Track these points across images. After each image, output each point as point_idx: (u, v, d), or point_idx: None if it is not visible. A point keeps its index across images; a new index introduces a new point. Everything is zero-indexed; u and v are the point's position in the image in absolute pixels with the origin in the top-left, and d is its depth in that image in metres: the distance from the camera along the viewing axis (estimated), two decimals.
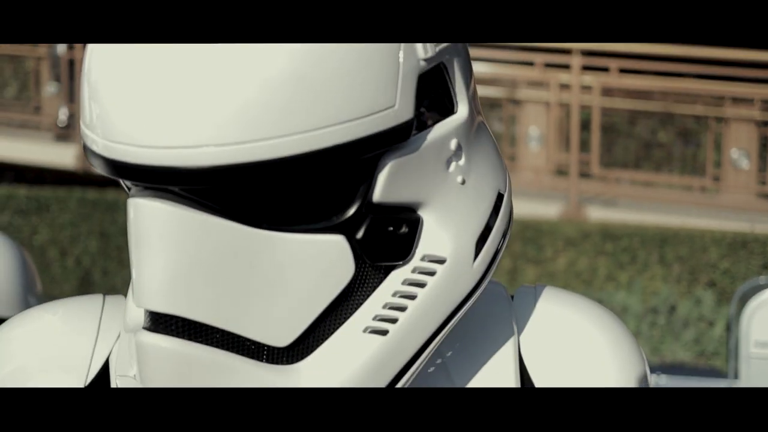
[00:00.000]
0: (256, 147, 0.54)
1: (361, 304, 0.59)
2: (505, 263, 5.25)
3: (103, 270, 6.19)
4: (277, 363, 0.58)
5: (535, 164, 6.82)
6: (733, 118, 6.56)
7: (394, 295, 0.59)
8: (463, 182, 0.61)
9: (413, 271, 0.59)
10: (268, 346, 0.58)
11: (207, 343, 0.57)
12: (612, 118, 7.01)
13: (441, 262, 0.60)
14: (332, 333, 0.58)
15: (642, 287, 5.12)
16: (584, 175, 6.67)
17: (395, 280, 0.59)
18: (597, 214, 6.22)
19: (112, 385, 0.66)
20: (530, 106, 6.98)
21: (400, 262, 0.59)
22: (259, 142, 0.54)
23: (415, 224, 0.59)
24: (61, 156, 7.09)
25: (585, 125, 6.73)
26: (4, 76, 8.17)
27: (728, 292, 4.94)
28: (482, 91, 7.16)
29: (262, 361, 0.57)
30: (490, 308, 0.67)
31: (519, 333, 0.66)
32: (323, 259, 0.57)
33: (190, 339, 0.56)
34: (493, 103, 7.31)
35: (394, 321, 0.58)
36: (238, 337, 0.57)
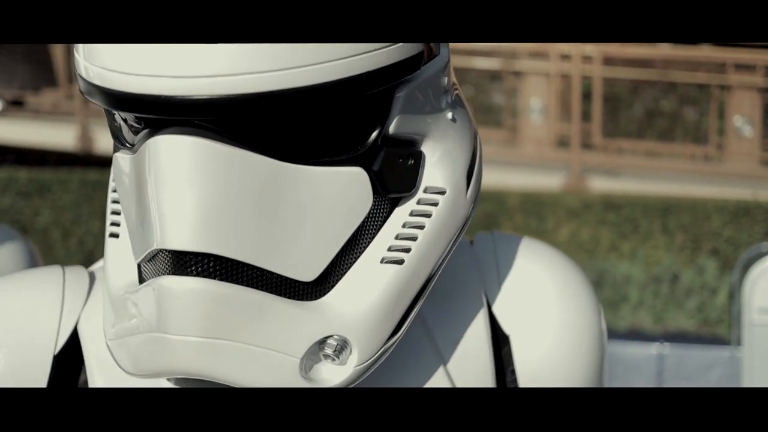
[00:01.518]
0: (291, 74, 0.54)
1: (374, 236, 0.61)
2: None
3: None
4: (302, 299, 0.58)
5: (537, 136, 6.79)
6: (736, 86, 6.51)
7: (404, 226, 0.61)
8: (453, 119, 0.65)
9: (419, 203, 0.62)
10: (295, 282, 0.58)
11: (236, 283, 0.56)
12: (614, 87, 6.96)
13: (442, 193, 0.62)
14: (350, 266, 0.60)
15: (645, 257, 5.11)
16: (586, 145, 6.64)
17: (403, 211, 0.61)
18: (599, 184, 6.21)
19: (86, 353, 0.65)
20: (531, 77, 6.93)
21: (407, 194, 0.61)
22: (294, 69, 0.54)
23: (418, 157, 0.62)
24: (62, 137, 7.09)
25: (587, 96, 6.69)
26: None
27: (731, 260, 4.93)
28: (482, 62, 7.12)
29: (288, 297, 0.58)
30: (455, 257, 0.70)
31: (482, 280, 0.70)
32: (347, 191, 0.58)
33: (220, 279, 0.55)
34: (493, 75, 7.26)
35: (407, 250, 0.61)
36: (264, 274, 0.57)
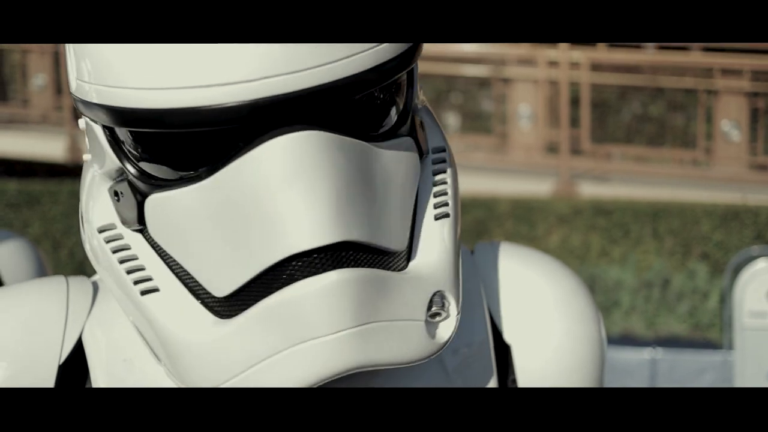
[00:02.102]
0: (360, 58, 0.57)
1: (416, 198, 0.64)
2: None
3: None
4: (402, 269, 0.61)
5: (526, 142, 6.81)
6: (723, 90, 6.55)
7: (434, 184, 0.65)
8: (421, 100, 0.70)
9: (433, 162, 0.66)
10: (392, 254, 0.60)
11: (361, 266, 0.57)
12: (602, 93, 6.99)
13: (443, 150, 0.67)
14: (413, 229, 0.63)
15: (635, 261, 5.13)
16: (575, 151, 6.66)
17: (427, 171, 0.65)
18: (589, 190, 6.23)
19: (90, 362, 0.64)
20: (519, 84, 6.95)
21: (426, 156, 0.66)
22: (360, 53, 0.57)
23: (422, 124, 0.66)
24: (51, 148, 7.06)
25: (575, 102, 6.72)
26: None
27: (721, 264, 4.96)
28: (471, 69, 7.14)
29: (390, 269, 0.60)
30: None
31: (483, 289, 0.71)
32: (408, 159, 0.62)
33: (352, 266, 0.55)
34: (482, 82, 7.28)
35: (447, 204, 0.65)
36: (373, 250, 0.58)
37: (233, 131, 0.55)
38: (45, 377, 0.64)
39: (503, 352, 0.70)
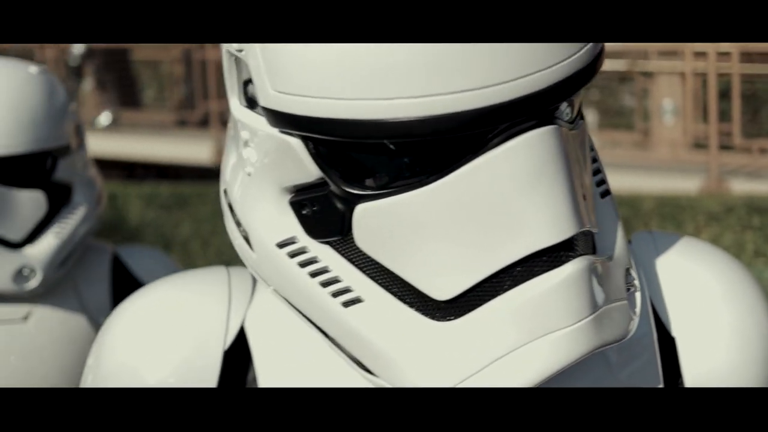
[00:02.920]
0: (587, 50, 0.60)
1: None
2: None
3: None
4: (605, 253, 0.63)
5: (671, 138, 6.53)
6: None
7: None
8: None
9: None
10: (592, 236, 0.63)
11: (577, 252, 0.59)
12: (754, 84, 6.61)
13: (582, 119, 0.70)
14: None
15: None
16: (725, 147, 6.33)
17: None
18: (741, 186, 5.89)
19: (253, 351, 0.65)
20: (663, 77, 6.68)
21: None
22: (573, 57, 0.58)
23: None
24: (199, 152, 7.40)
25: (724, 94, 6.38)
26: (143, 79, 8.60)
27: None
28: (611, 64, 6.92)
29: (601, 254, 0.62)
30: None
31: (644, 280, 0.69)
32: (588, 142, 0.65)
33: (578, 254, 0.57)
34: (623, 77, 7.04)
35: (605, 181, 0.68)
36: (586, 235, 0.60)
37: (459, 136, 0.56)
38: (211, 363, 0.64)
39: (667, 345, 0.67)
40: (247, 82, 0.62)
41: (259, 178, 0.62)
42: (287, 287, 0.62)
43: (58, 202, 1.32)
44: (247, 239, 0.64)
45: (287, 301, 0.63)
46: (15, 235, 1.26)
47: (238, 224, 0.65)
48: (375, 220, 0.58)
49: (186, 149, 7.53)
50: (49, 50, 8.11)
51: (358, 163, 0.58)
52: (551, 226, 0.55)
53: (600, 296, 0.57)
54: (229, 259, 6.39)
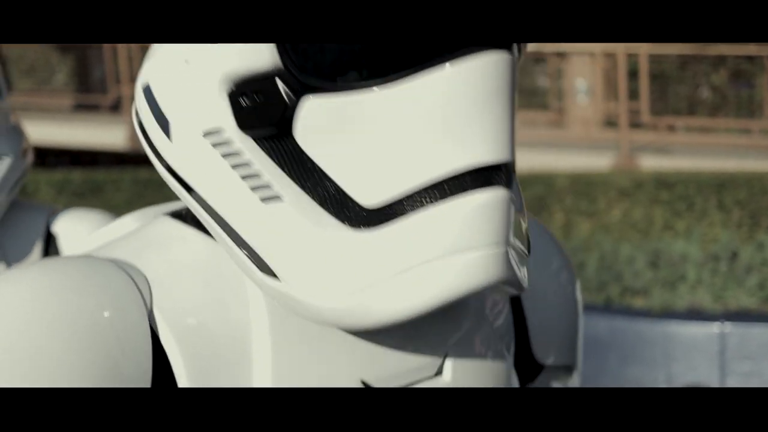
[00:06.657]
0: None
1: None
2: (558, 218, 5.18)
3: None
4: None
5: (584, 116, 6.70)
6: None
7: None
8: None
9: None
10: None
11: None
12: (661, 64, 6.82)
13: None
14: None
15: (701, 234, 5.00)
16: (635, 124, 6.52)
17: None
18: (650, 162, 6.09)
19: (165, 344, 0.59)
20: (575, 57, 6.82)
21: None
22: None
23: None
24: (113, 138, 7.21)
25: (633, 74, 6.57)
26: (52, 64, 8.30)
27: None
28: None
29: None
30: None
31: None
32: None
33: (505, 186, 0.56)
34: (537, 58, 7.16)
35: None
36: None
37: (423, 45, 0.56)
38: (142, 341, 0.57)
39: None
40: None
41: (198, 66, 0.59)
42: (202, 180, 0.59)
43: None
44: (165, 129, 0.60)
45: (197, 201, 0.59)
46: None
47: (160, 116, 0.60)
48: (322, 116, 0.56)
49: (98, 134, 7.32)
50: None
51: (317, 56, 0.57)
52: (495, 145, 0.55)
53: (511, 232, 0.57)
54: None
